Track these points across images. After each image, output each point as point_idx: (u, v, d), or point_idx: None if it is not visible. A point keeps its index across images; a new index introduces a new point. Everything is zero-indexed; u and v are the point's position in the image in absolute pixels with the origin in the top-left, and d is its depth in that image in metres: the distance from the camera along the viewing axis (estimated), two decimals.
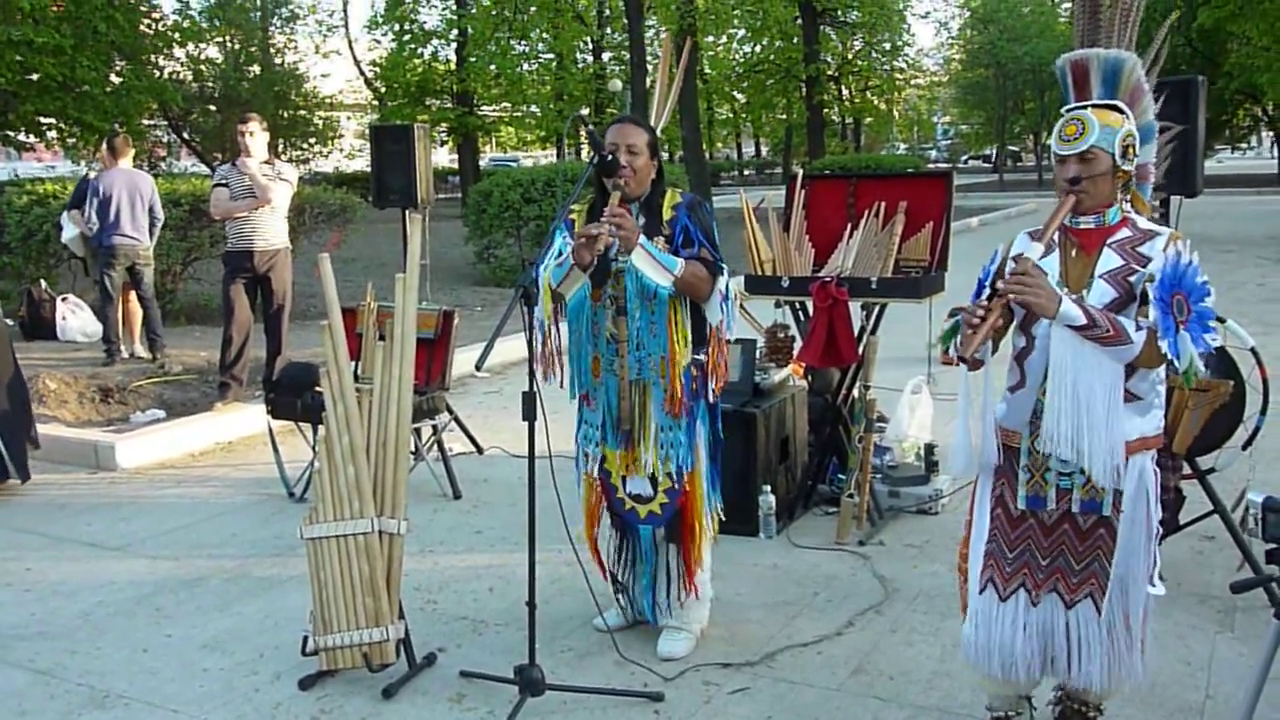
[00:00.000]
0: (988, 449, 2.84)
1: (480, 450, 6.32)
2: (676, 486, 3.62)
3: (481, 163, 35.50)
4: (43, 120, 16.09)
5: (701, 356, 3.63)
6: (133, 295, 8.63)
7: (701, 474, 3.68)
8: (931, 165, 39.73)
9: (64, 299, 9.87)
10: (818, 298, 4.75)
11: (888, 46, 37.00)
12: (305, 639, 3.55)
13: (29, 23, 13.89)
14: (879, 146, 47.09)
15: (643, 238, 3.45)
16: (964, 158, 57.85)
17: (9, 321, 7.82)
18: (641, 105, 25.10)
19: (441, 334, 5.73)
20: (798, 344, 5.12)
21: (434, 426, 5.68)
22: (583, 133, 32.99)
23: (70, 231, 8.70)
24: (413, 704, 3.45)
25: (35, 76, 14.51)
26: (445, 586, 4.39)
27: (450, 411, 5.98)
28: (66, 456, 6.38)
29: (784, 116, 41.58)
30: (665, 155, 3.85)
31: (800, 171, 5.78)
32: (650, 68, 25.77)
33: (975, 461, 2.87)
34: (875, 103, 39.01)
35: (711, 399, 3.69)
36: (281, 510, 5.45)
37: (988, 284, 2.81)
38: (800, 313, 5.26)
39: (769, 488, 4.86)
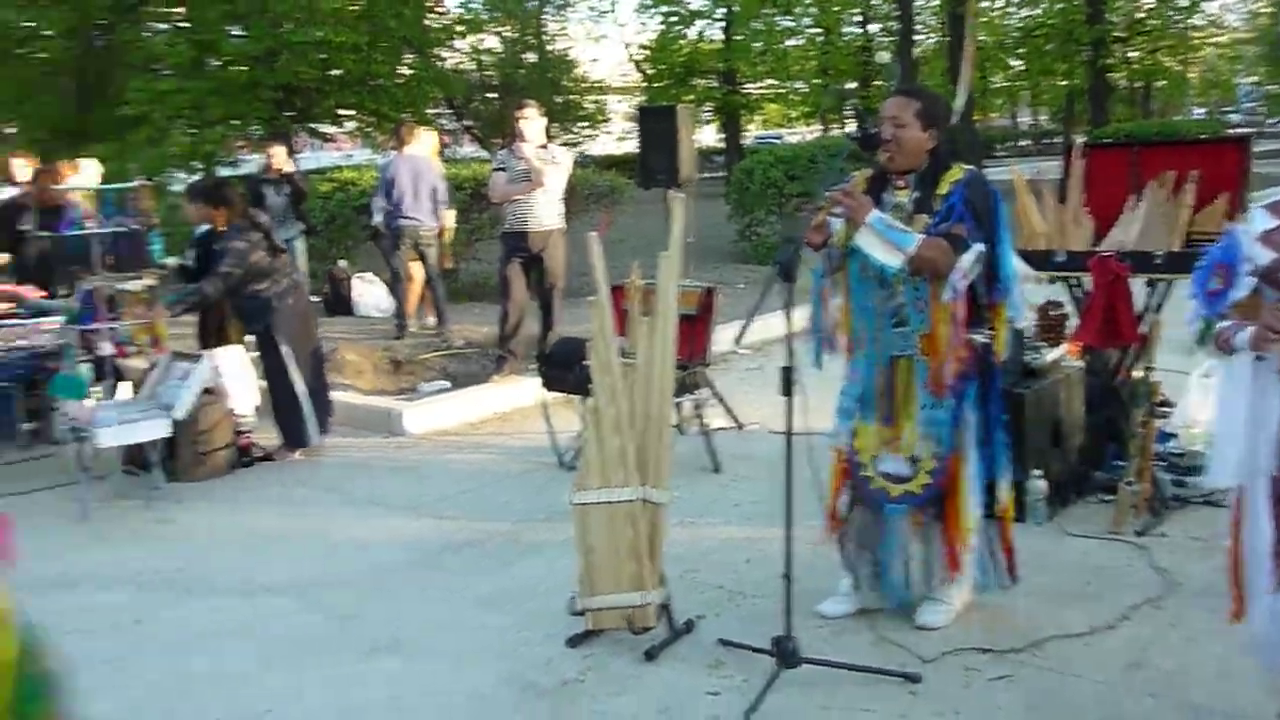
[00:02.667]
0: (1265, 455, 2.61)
1: (740, 425, 6.39)
2: (939, 467, 3.55)
3: (745, 140, 35.57)
4: (342, 112, 17.40)
5: (979, 336, 3.52)
6: (419, 271, 9.26)
7: (967, 459, 3.58)
8: (1231, 131, 36.44)
9: (360, 277, 10.73)
10: (1097, 273, 4.51)
11: (1183, 2, 34.13)
12: (573, 599, 3.74)
13: (330, 24, 15.02)
14: (1173, 112, 43.59)
15: (874, 214, 3.37)
16: (1272, 121, 52.64)
17: (314, 298, 8.57)
18: (910, 76, 24.40)
19: (703, 311, 5.84)
20: (1072, 322, 4.88)
21: (695, 401, 5.80)
22: (847, 107, 32.40)
23: (379, 215, 9.42)
24: (672, 668, 3.56)
25: (335, 72, 15.69)
26: (704, 556, 4.50)
27: (711, 387, 6.09)
28: (363, 422, 6.95)
29: (1064, 82, 39.23)
30: None
31: (1080, 140, 5.48)
32: (919, 37, 25.06)
33: (1245, 469, 2.66)
34: (1168, 64, 36.12)
35: (986, 381, 3.57)
36: (553, 478, 5.73)
37: (1244, 271, 2.57)
38: (1076, 289, 5.00)
39: (1039, 472, 4.66)
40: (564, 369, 5.85)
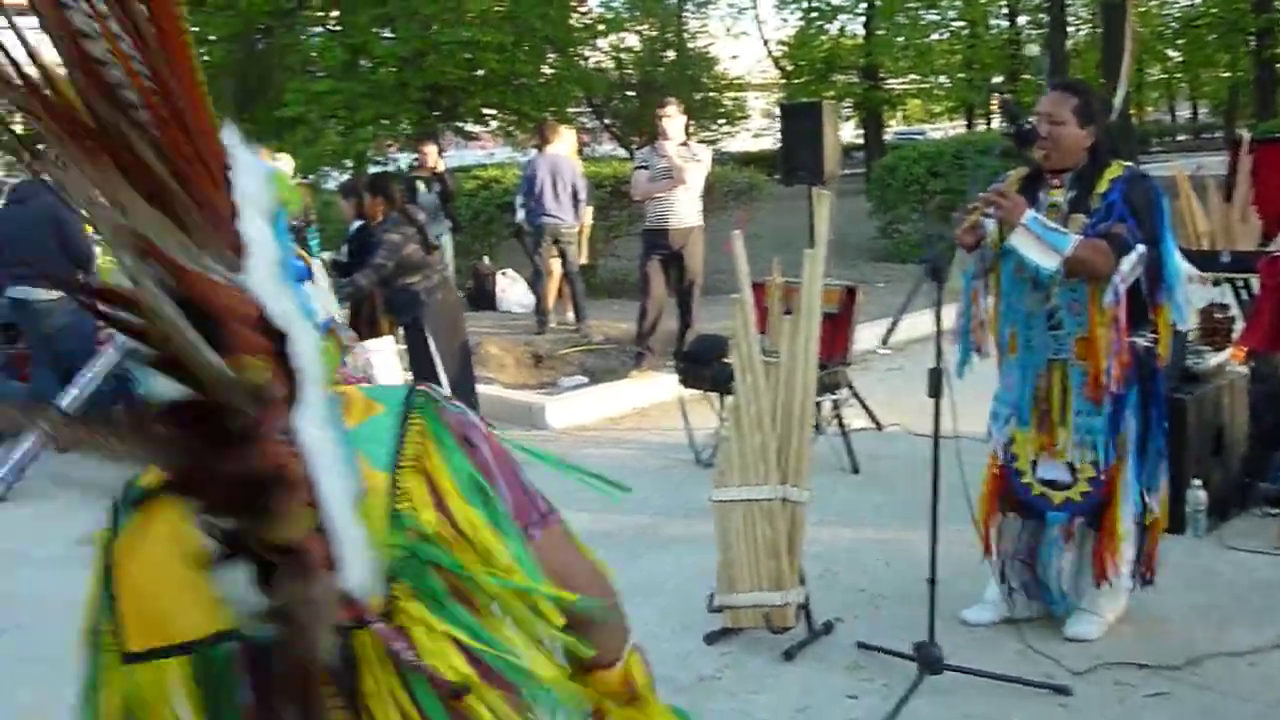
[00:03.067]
0: None
1: (879, 426, 6.30)
2: (1099, 476, 3.43)
3: (886, 136, 34.96)
4: (486, 111, 17.75)
5: (1141, 339, 3.39)
6: (559, 268, 9.40)
7: (1126, 466, 3.45)
8: None
9: (503, 273, 10.95)
10: (1266, 274, 4.29)
11: None
12: (711, 596, 3.74)
13: (476, 24, 15.33)
14: None
15: (1029, 215, 3.26)
16: None
17: (459, 293, 8.79)
18: (1061, 69, 23.61)
19: (844, 309, 5.77)
20: (1238, 325, 4.65)
21: (834, 401, 5.74)
22: (995, 102, 31.49)
23: (522, 212, 9.60)
24: (811, 668, 3.54)
25: (480, 72, 16.02)
26: (843, 557, 4.45)
27: (850, 387, 6.02)
28: (505, 415, 7.09)
29: (1227, 74, 37.31)
30: None
31: (1246, 135, 5.22)
32: (1071, 29, 24.21)
33: None
34: None
35: (1147, 386, 3.43)
36: (690, 474, 5.75)
37: None
38: (1243, 291, 4.77)
39: (1199, 482, 4.46)
40: (702, 366, 5.86)
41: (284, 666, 0.98)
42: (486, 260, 11.30)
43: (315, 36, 17.35)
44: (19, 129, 0.98)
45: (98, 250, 6.64)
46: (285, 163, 9.35)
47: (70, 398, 6.10)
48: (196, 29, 15.91)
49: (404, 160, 15.18)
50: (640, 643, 1.37)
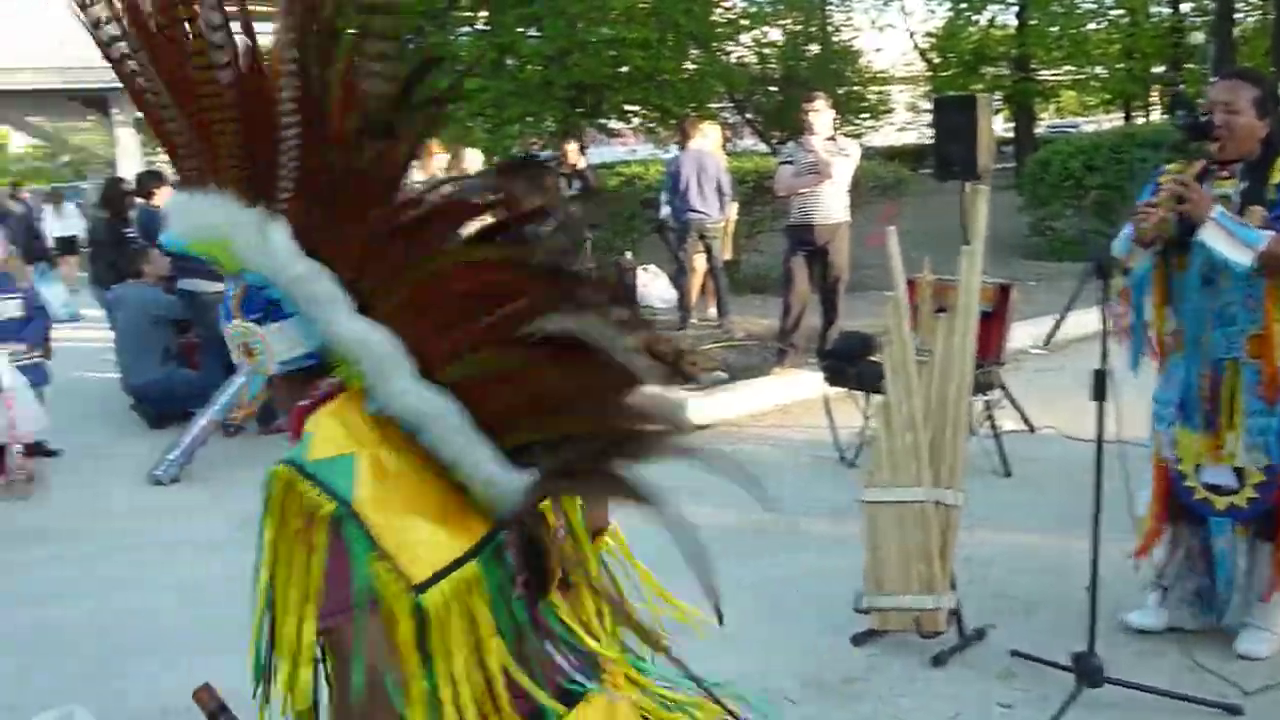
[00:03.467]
0: None
1: (1032, 429, 6.11)
2: (1270, 481, 3.26)
3: (1037, 130, 33.83)
4: (628, 108, 17.87)
5: None
6: (702, 263, 9.40)
7: None
8: None
9: (645, 269, 11.01)
10: None
11: None
12: (859, 597, 3.69)
13: (620, 21, 15.45)
14: None
15: (1218, 210, 3.12)
16: None
17: None
18: (1228, 58, 22.45)
19: (998, 307, 5.61)
20: None
21: (986, 401, 5.59)
22: (1157, 93, 30.13)
23: (666, 208, 9.66)
24: (961, 676, 3.46)
25: (624, 69, 16.14)
26: (995, 562, 4.33)
27: (1003, 387, 5.85)
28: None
29: None
30: None
31: None
32: (1239, 16, 23.02)
33: None
34: None
35: None
36: (833, 472, 5.69)
37: None
38: None
39: None
40: (847, 363, 5.79)
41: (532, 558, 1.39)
42: (629, 256, 11.39)
43: (464, 36, 17.74)
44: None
45: None
46: (473, 157, 9.60)
47: (236, 386, 6.40)
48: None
49: (548, 157, 15.44)
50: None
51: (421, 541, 1.27)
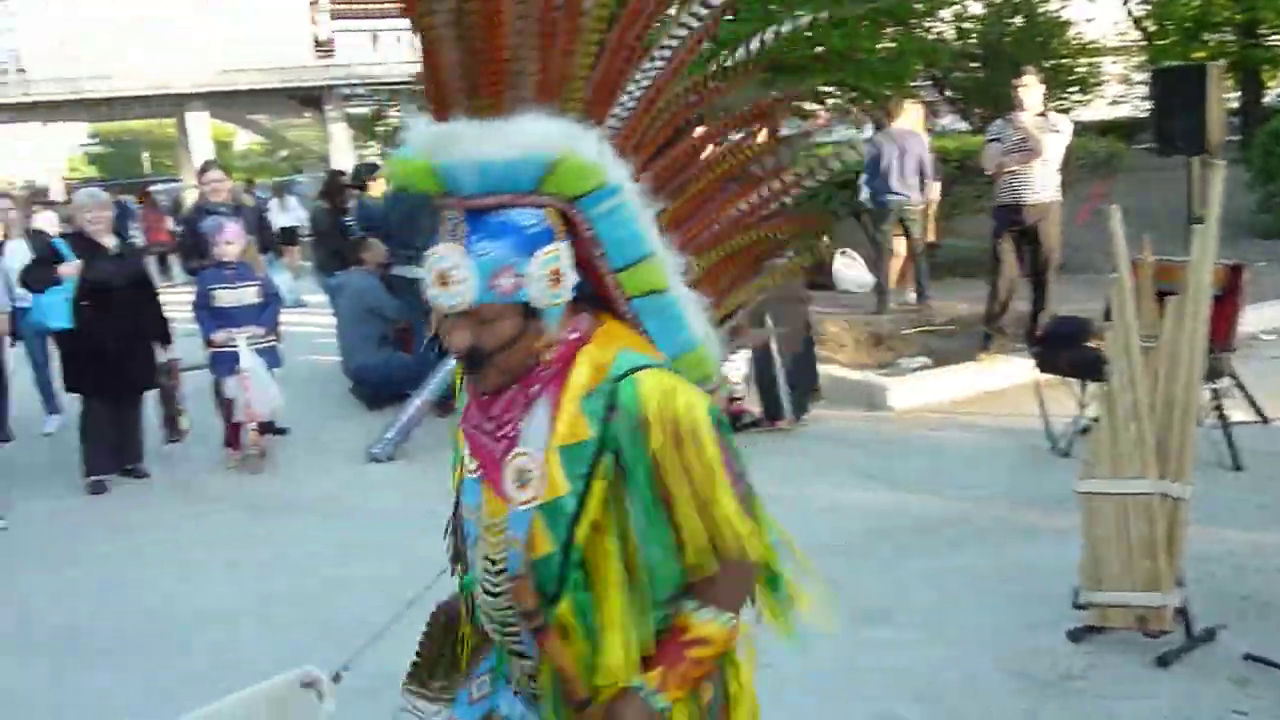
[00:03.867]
0: None
1: (1265, 420, 5.71)
2: None
3: (1265, 99, 31.47)
4: (823, 90, 17.60)
5: None
6: (902, 247, 9.20)
7: None
8: None
9: (842, 252, 10.85)
10: None
11: None
12: (1076, 592, 3.56)
13: (816, 1, 15.24)
14: None
15: None
16: None
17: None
18: None
19: (1229, 290, 5.26)
20: None
21: (1214, 390, 5.26)
22: None
23: (866, 190, 9.50)
24: (1189, 679, 3.30)
25: (820, 49, 15.91)
26: (1226, 560, 4.09)
27: (1233, 375, 5.50)
28: (845, 396, 7.05)
29: None
30: None
31: None
32: None
33: None
34: None
35: None
36: (1045, 461, 5.48)
37: None
38: None
39: None
40: (1061, 349, 5.57)
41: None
42: (825, 239, 11.24)
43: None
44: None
45: None
46: None
47: (449, 368, 6.68)
48: None
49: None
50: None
51: None
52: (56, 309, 6.02)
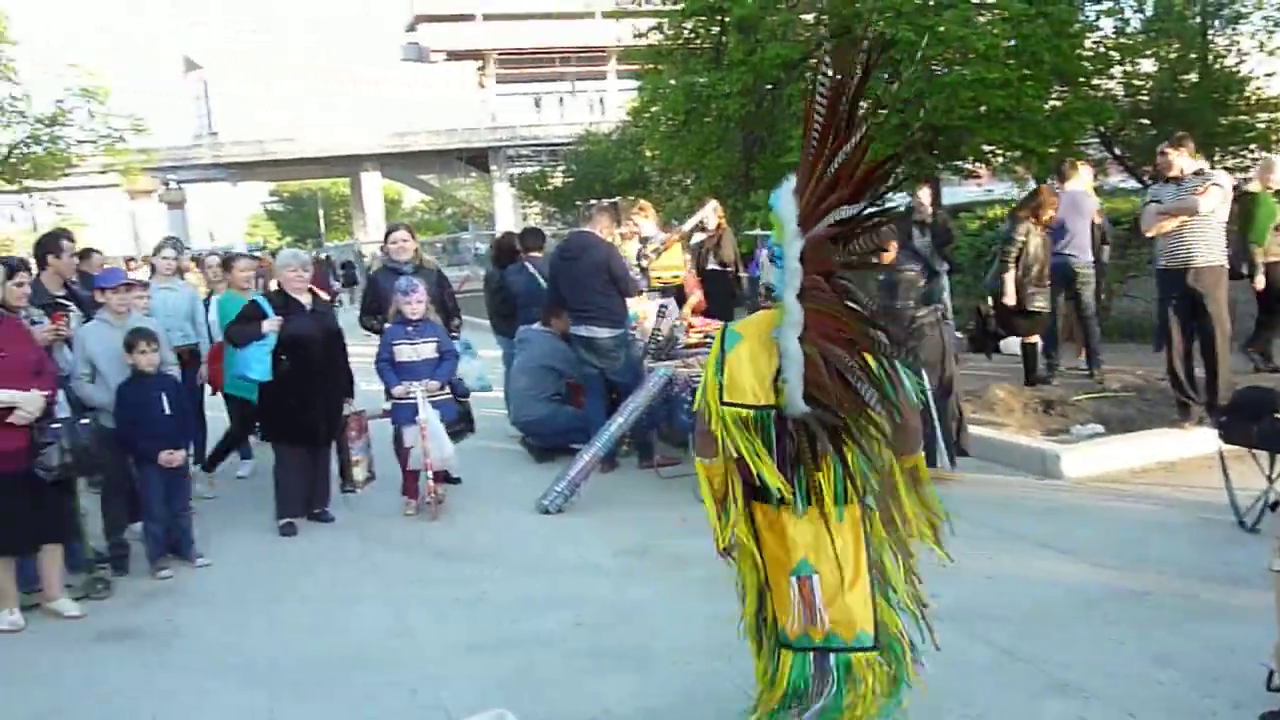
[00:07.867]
0: None
1: None
2: None
3: None
4: (986, 148, 17.38)
5: None
6: (1073, 310, 8.98)
7: None
8: None
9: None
10: None
11: None
12: (1271, 674, 3.44)
13: (981, 61, 15.15)
14: None
15: None
16: None
17: (959, 335, 8.71)
18: None
19: None
20: None
21: None
22: None
23: None
24: None
25: (983, 109, 15.75)
26: None
27: None
28: (1015, 461, 6.91)
29: None
30: None
31: None
32: None
33: None
34: None
35: None
36: (1230, 536, 5.28)
37: None
38: None
39: None
40: (1248, 420, 5.36)
41: (797, 431, 2.85)
42: (989, 302, 11.06)
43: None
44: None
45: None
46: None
47: (616, 425, 6.88)
48: (717, 86, 17.10)
49: (900, 200, 15.33)
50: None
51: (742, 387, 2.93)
52: (258, 361, 6.46)
